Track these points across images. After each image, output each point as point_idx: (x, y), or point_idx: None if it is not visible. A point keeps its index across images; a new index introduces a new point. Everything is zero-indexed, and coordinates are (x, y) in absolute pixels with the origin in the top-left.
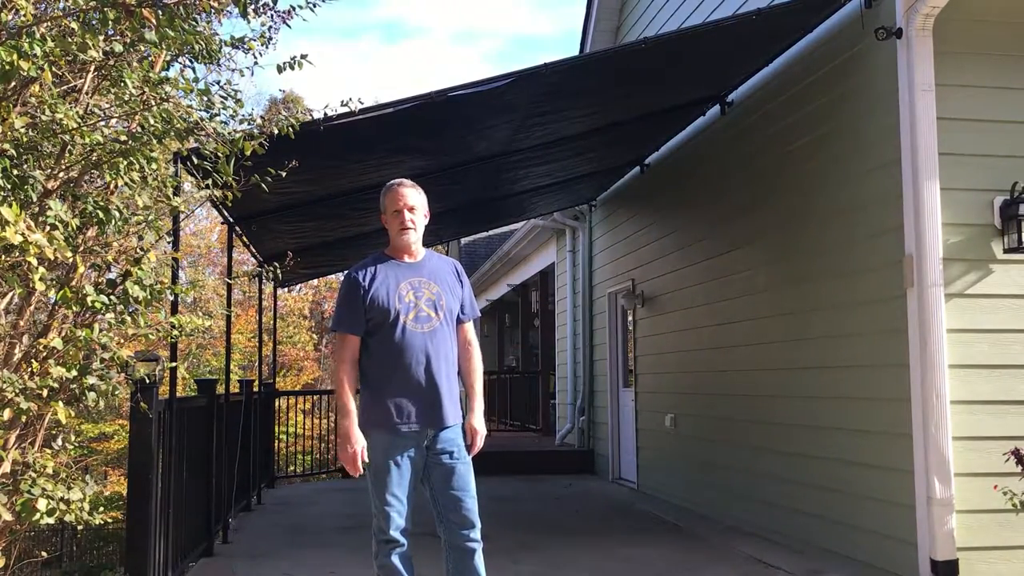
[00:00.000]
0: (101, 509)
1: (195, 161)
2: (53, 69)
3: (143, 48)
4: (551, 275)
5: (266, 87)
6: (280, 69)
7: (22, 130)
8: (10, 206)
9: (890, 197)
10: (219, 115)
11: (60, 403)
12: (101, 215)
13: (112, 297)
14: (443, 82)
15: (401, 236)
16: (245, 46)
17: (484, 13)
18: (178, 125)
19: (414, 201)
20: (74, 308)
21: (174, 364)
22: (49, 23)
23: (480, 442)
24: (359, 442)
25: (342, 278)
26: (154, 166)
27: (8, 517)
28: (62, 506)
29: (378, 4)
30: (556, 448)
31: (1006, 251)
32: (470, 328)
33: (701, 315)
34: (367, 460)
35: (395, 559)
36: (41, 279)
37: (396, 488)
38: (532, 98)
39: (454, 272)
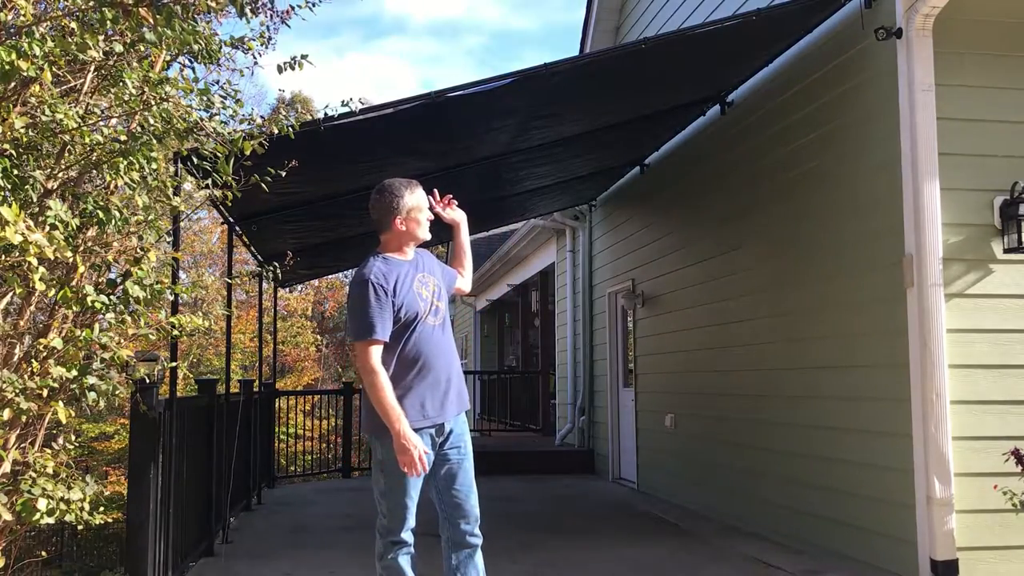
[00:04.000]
0: (101, 509)
1: (195, 161)
2: (53, 69)
3: (143, 48)
4: (551, 275)
5: (268, 87)
6: (280, 69)
7: (22, 130)
8: (10, 206)
9: (890, 197)
10: (219, 115)
11: (60, 403)
12: (101, 215)
13: (112, 297)
14: (425, 79)
15: (425, 235)
16: (244, 46)
17: (465, 8)
18: (178, 125)
19: None
20: (74, 308)
21: (174, 364)
22: (49, 23)
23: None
24: (420, 445)
25: (353, 283)
26: (154, 166)
27: (8, 517)
28: (62, 506)
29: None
30: (556, 448)
31: (1006, 251)
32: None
33: (701, 315)
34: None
35: (403, 559)
36: (41, 279)
37: (414, 491)
38: (532, 98)
39: (435, 262)
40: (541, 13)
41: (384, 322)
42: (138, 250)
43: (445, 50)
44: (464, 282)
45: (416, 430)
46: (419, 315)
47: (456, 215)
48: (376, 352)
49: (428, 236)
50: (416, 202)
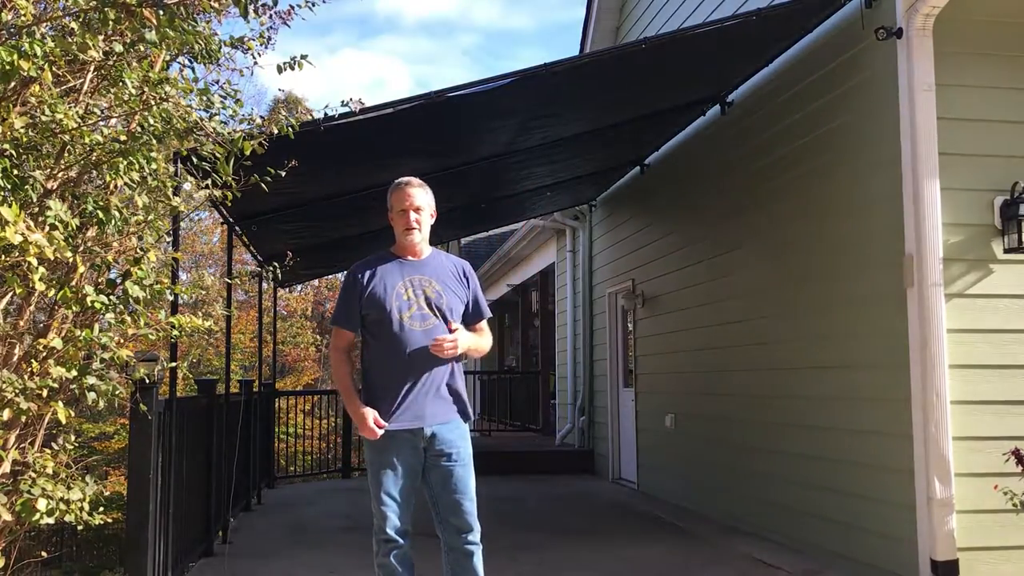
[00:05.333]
0: (101, 509)
1: (195, 161)
2: (53, 69)
3: (143, 48)
4: (551, 275)
5: (266, 87)
6: (280, 69)
7: (22, 130)
8: (10, 206)
9: (890, 197)
10: (219, 115)
11: (60, 403)
12: (101, 215)
13: (112, 297)
14: (419, 78)
15: (406, 236)
16: (244, 46)
17: (459, 7)
18: (178, 125)
19: (421, 201)
20: (74, 308)
21: (174, 364)
22: (49, 23)
23: (456, 338)
24: (369, 412)
25: (344, 276)
26: (154, 166)
27: (8, 517)
28: (62, 506)
29: None
30: (556, 448)
31: (1006, 251)
32: (481, 325)
33: (701, 315)
34: (384, 424)
35: (393, 559)
36: (41, 279)
37: (392, 488)
38: (532, 98)
39: (460, 272)
40: (536, 12)
41: (348, 313)
42: (138, 250)
43: (439, 49)
44: None
45: (388, 430)
46: (388, 313)
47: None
48: (340, 339)
49: (408, 238)
50: (393, 200)
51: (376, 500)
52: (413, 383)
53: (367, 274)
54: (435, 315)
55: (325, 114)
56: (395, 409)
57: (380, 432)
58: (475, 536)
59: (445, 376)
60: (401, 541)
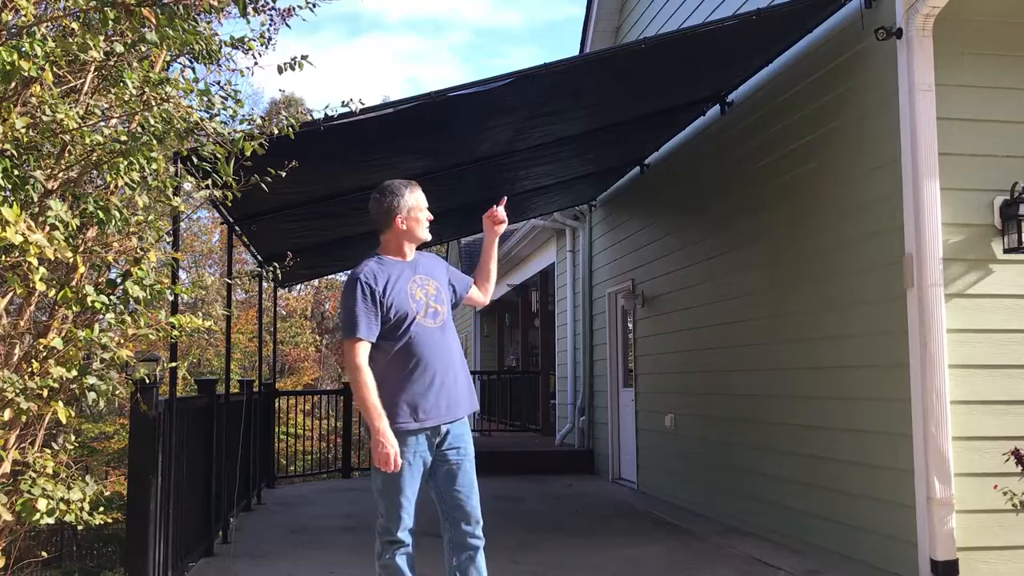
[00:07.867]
0: (101, 509)
1: (195, 161)
2: (54, 69)
3: (143, 48)
4: (551, 275)
5: (262, 87)
6: (280, 69)
7: (23, 130)
8: (11, 206)
9: (890, 197)
10: (219, 115)
11: (60, 403)
12: (101, 215)
13: (112, 297)
14: (410, 76)
15: (425, 235)
16: (245, 46)
17: (448, 4)
18: (178, 125)
19: None
20: (74, 308)
21: (174, 364)
22: (50, 23)
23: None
24: (395, 444)
25: (345, 282)
26: (154, 166)
27: (8, 517)
28: (62, 506)
29: None
30: (556, 448)
31: (1006, 251)
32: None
33: (701, 315)
34: (401, 461)
35: (400, 559)
36: (41, 279)
37: (408, 489)
38: (532, 98)
39: (440, 264)
40: (526, 9)
41: (369, 322)
42: (138, 250)
43: (429, 47)
44: (481, 295)
45: (410, 431)
46: (410, 316)
47: (504, 222)
48: (361, 350)
49: (428, 236)
50: (416, 201)
51: (391, 501)
52: (435, 382)
53: (380, 280)
54: (442, 311)
55: (325, 114)
56: (421, 410)
57: (395, 470)
58: (479, 531)
59: (460, 371)
60: (409, 541)
